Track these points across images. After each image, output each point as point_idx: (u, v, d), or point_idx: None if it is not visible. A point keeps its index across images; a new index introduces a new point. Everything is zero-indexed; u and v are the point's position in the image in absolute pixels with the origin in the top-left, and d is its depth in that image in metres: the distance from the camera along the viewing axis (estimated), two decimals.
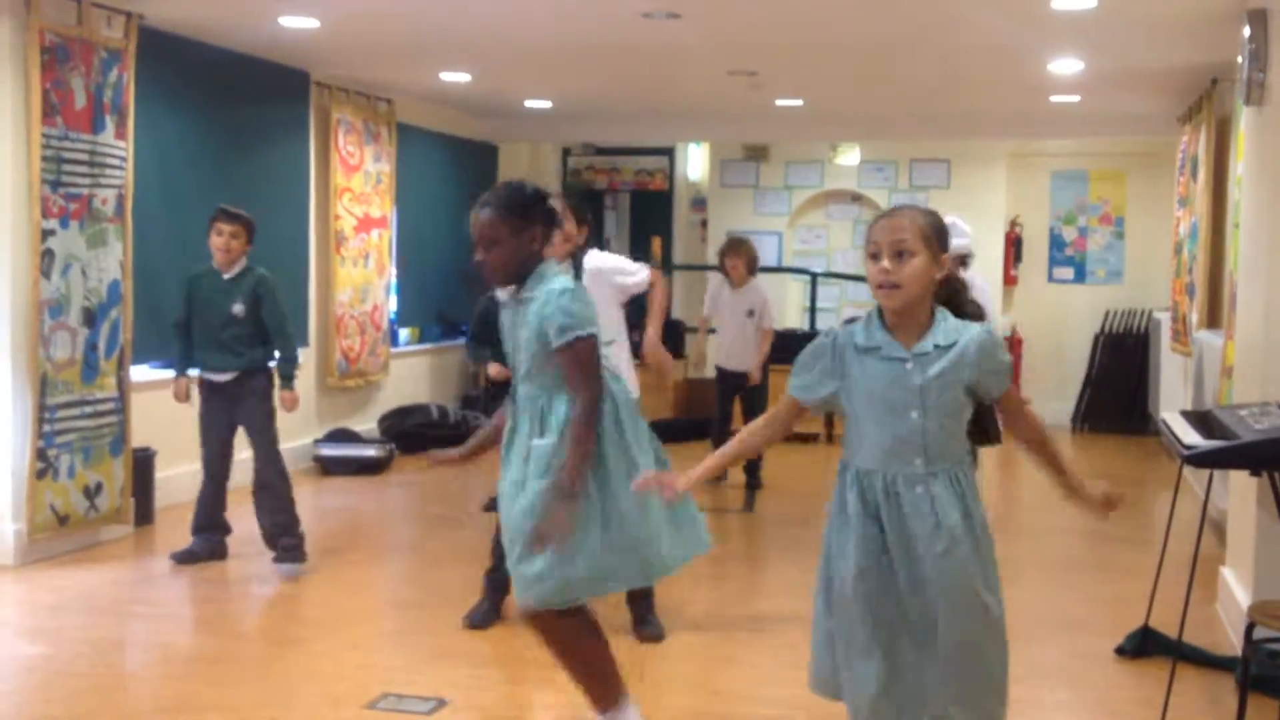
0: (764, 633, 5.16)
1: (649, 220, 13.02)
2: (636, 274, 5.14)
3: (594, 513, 3.38)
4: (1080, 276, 12.23)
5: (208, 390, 5.99)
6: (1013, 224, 12.15)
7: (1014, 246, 12.14)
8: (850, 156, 12.21)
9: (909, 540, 2.82)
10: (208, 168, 7.58)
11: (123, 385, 6.56)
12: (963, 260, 6.07)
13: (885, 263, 2.80)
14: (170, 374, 6.21)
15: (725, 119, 11.02)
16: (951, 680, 2.82)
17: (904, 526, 2.82)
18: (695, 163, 13.38)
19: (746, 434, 3.09)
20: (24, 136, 5.95)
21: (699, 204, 13.23)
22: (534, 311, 3.42)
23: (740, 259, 8.20)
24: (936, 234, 2.84)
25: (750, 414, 7.15)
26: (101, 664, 4.70)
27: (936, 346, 2.81)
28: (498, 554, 4.82)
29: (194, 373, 6.02)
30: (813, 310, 11.79)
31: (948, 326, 2.83)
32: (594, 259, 5.07)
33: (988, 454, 10.52)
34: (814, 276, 11.86)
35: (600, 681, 3.54)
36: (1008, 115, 10.45)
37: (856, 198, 12.31)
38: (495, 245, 3.44)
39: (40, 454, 5.99)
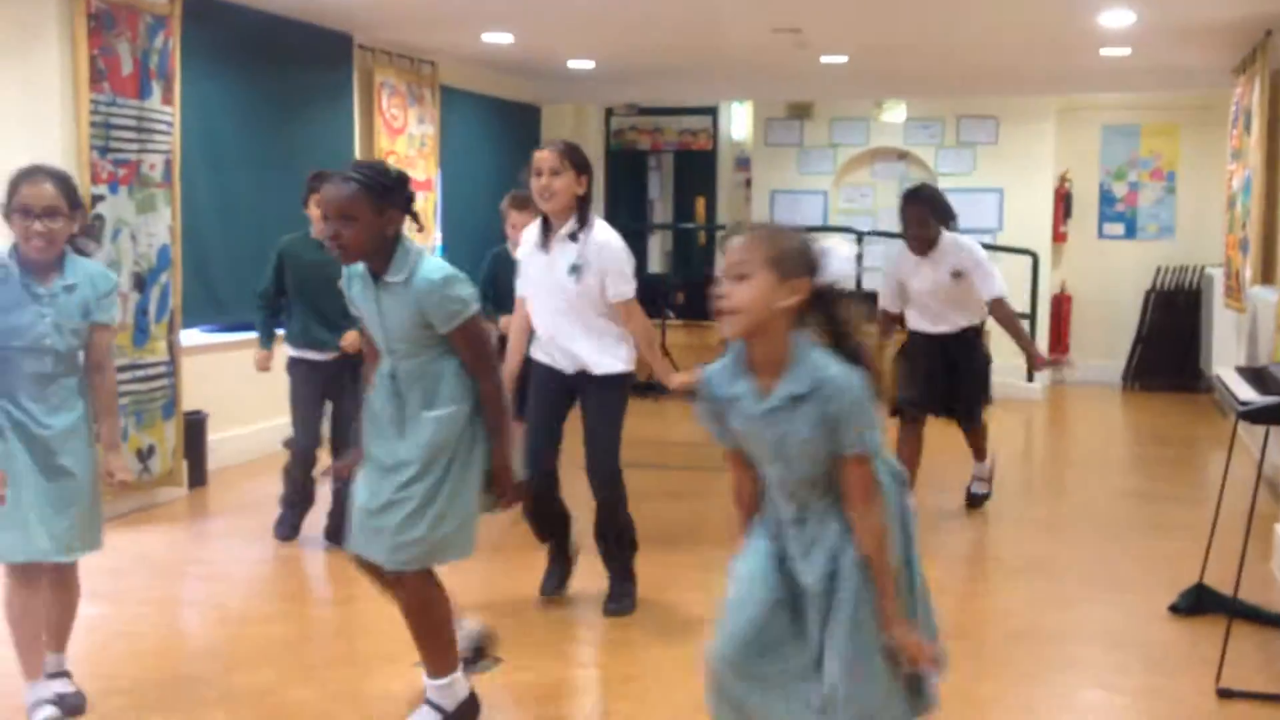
0: None
1: (692, 181, 12.95)
2: (626, 288, 4.60)
3: (466, 479, 3.47)
4: (1131, 232, 12.07)
5: (307, 369, 5.65)
6: (1062, 180, 12.00)
7: (1063, 203, 12.00)
8: (896, 113, 12.08)
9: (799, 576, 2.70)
10: (253, 132, 7.61)
11: (173, 349, 6.62)
12: (945, 223, 6.13)
13: (721, 286, 2.60)
14: (224, 338, 6.22)
15: (769, 77, 10.92)
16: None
17: (793, 563, 2.70)
18: (739, 122, 13.29)
19: (737, 508, 2.87)
20: (72, 103, 5.99)
21: (743, 163, 13.15)
22: (412, 297, 3.37)
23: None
24: (789, 257, 2.59)
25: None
26: (160, 624, 4.77)
27: (793, 398, 2.59)
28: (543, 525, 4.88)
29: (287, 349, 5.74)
30: (859, 270, 11.71)
31: (809, 365, 2.59)
32: (607, 235, 4.61)
33: (1037, 409, 10.45)
34: (860, 235, 11.77)
35: (447, 646, 3.58)
36: (1057, 69, 10.30)
37: (903, 155, 12.19)
38: (353, 222, 3.33)
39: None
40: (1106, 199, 12.10)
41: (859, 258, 11.68)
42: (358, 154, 8.83)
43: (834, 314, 2.66)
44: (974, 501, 6.70)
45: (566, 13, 7.98)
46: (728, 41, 9.01)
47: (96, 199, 6.05)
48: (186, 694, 3.99)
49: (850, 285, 2.79)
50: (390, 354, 3.47)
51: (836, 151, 12.31)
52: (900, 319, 6.35)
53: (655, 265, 12.80)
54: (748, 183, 12.87)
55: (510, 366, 4.70)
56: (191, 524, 6.24)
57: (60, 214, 3.50)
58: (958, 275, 6.07)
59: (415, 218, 3.53)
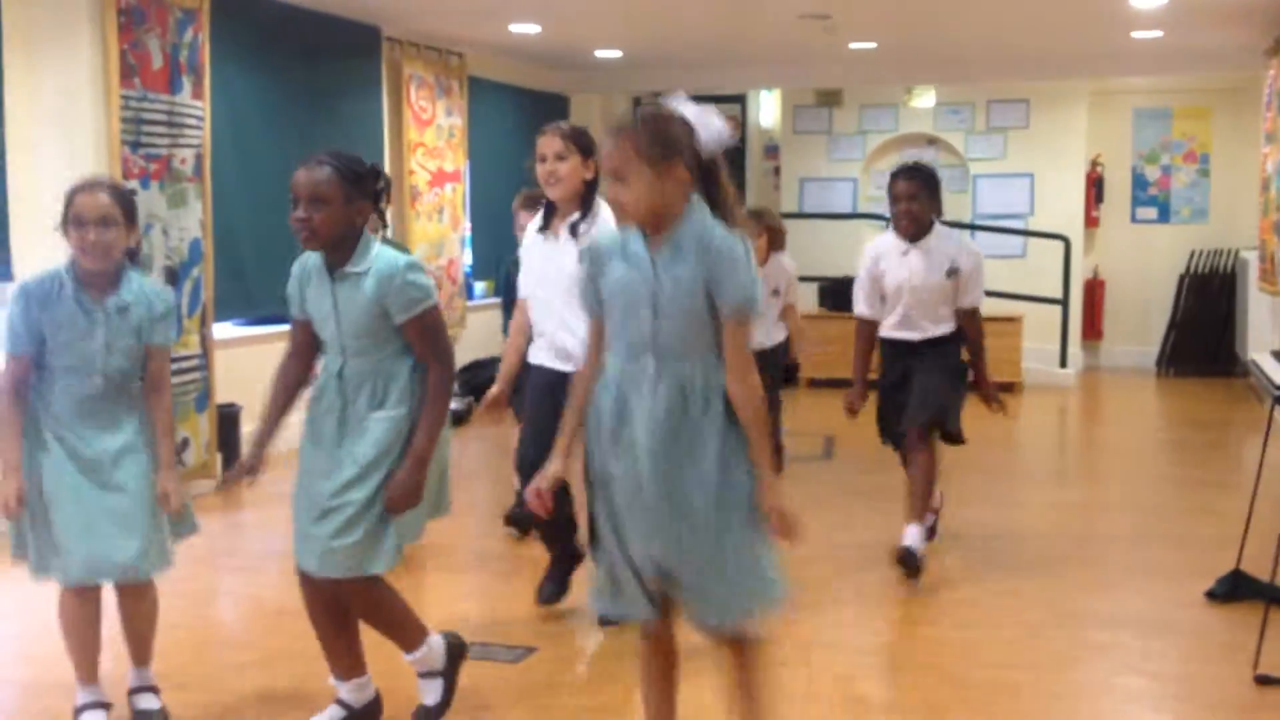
0: (839, 578, 5.15)
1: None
2: None
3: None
4: (1164, 216, 11.97)
5: None
6: (1094, 164, 11.90)
7: (1095, 187, 11.91)
8: (926, 99, 12.01)
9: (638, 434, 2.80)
10: (282, 125, 7.63)
11: (206, 342, 6.66)
12: (938, 212, 5.26)
13: (611, 191, 2.80)
14: (255, 330, 6.25)
15: (797, 64, 10.88)
16: (690, 576, 2.81)
17: (635, 421, 2.80)
18: (767, 109, 13.24)
19: (576, 390, 2.97)
20: (103, 98, 6.03)
21: (771, 151, 13.11)
22: (370, 286, 3.28)
23: (762, 234, 6.52)
24: (659, 145, 2.75)
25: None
26: (196, 615, 4.80)
27: (677, 248, 2.76)
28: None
29: None
30: None
31: (696, 225, 2.76)
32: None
33: (1070, 396, 10.39)
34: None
35: (405, 628, 3.54)
36: (1088, 52, 10.21)
37: (932, 141, 12.12)
38: (324, 206, 3.26)
39: None
40: (1139, 183, 12.00)
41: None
42: (387, 146, 8.86)
43: (712, 183, 2.81)
44: (909, 562, 4.96)
45: (593, 2, 7.97)
46: (756, 29, 8.98)
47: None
48: (223, 685, 4.01)
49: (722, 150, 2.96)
50: (340, 351, 3.35)
51: (866, 138, 12.25)
52: (876, 326, 5.31)
53: None
54: (776, 170, 12.83)
55: (507, 366, 4.58)
56: (225, 516, 6.28)
57: (115, 224, 3.44)
58: (952, 273, 5.13)
59: (381, 215, 3.46)
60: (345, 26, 8.27)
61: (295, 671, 4.07)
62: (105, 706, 3.61)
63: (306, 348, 3.48)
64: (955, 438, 5.24)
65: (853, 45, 9.76)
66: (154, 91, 6.27)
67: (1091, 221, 11.91)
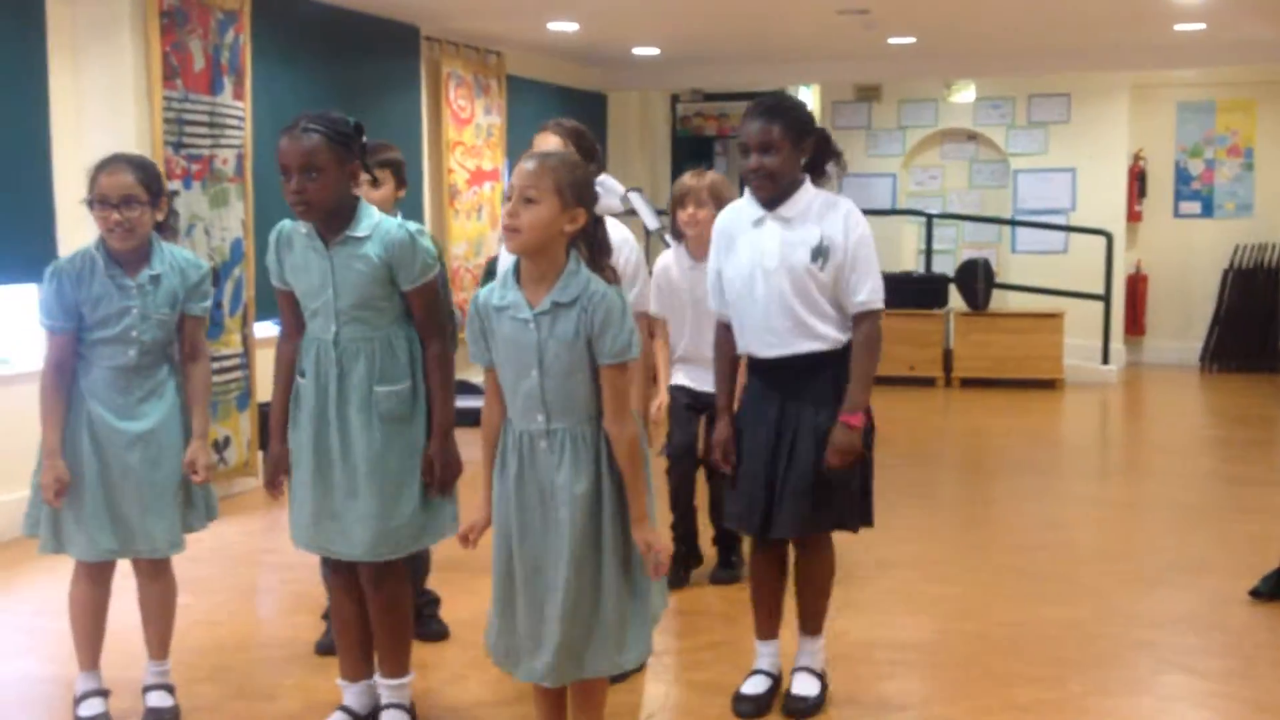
0: (884, 576, 5.13)
1: None
2: (633, 290, 3.99)
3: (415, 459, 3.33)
4: (1208, 210, 11.85)
5: None
6: (1136, 158, 11.80)
7: (1138, 181, 11.80)
8: (965, 94, 11.95)
9: (538, 494, 2.92)
10: None
11: (247, 341, 6.72)
12: (818, 167, 3.63)
13: (511, 206, 2.83)
14: None
15: (836, 60, 10.84)
16: (565, 631, 2.87)
17: (536, 481, 2.91)
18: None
19: (485, 418, 3.04)
20: (146, 100, 6.09)
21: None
22: (375, 251, 3.20)
23: (709, 204, 4.67)
24: (574, 187, 2.83)
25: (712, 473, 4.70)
26: (238, 612, 4.85)
27: (556, 304, 2.83)
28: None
29: None
30: (928, 253, 11.61)
31: (576, 280, 2.84)
32: (620, 233, 4.04)
33: (1112, 392, 10.31)
34: (929, 218, 11.66)
35: (408, 643, 3.45)
36: (1130, 45, 10.12)
37: (972, 136, 12.06)
38: (319, 173, 3.15)
39: None
40: (1182, 177, 11.89)
41: (928, 240, 11.59)
42: (426, 145, 8.89)
43: (595, 242, 2.93)
44: (798, 711, 3.67)
45: (631, 1, 7.97)
46: (794, 25, 8.95)
47: (171, 194, 6.13)
48: (265, 680, 4.05)
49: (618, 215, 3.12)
50: (335, 319, 3.24)
51: (905, 133, 12.20)
52: (729, 335, 3.71)
53: None
54: None
55: (662, 391, 4.79)
56: (267, 514, 6.33)
57: (139, 202, 3.42)
58: (820, 254, 3.50)
59: (369, 169, 3.39)
60: (384, 26, 8.31)
61: (336, 668, 4.09)
62: (104, 694, 3.63)
63: (297, 321, 3.37)
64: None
65: (892, 40, 9.71)
66: (196, 92, 6.33)
67: (1134, 216, 11.82)
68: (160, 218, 3.53)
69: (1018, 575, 5.13)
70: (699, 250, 4.67)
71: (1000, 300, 11.14)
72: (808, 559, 3.69)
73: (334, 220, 3.22)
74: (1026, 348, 10.57)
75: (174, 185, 6.17)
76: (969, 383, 10.56)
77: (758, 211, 3.58)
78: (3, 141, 5.66)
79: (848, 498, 3.57)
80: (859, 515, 3.64)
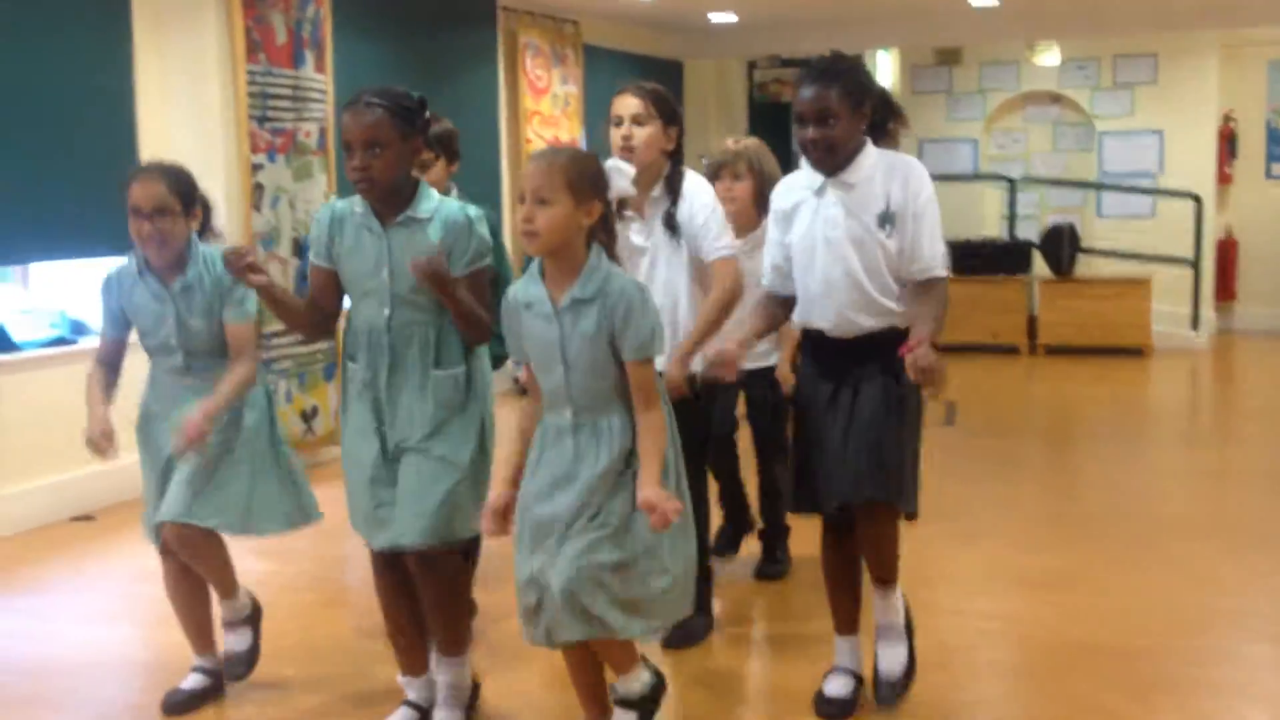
0: (970, 546, 5.09)
1: None
2: (720, 241, 3.79)
3: (471, 440, 3.25)
4: None
5: None
6: (1226, 119, 11.52)
7: (1228, 143, 11.52)
8: (1049, 56, 11.72)
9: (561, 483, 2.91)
10: None
11: None
12: (881, 127, 3.38)
13: (526, 210, 2.81)
14: None
15: (915, 23, 10.70)
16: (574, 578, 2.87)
17: (557, 466, 2.91)
18: (884, 70, 13.03)
19: (524, 409, 3.06)
20: (230, 74, 6.16)
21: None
22: (436, 232, 3.12)
23: (749, 178, 4.46)
24: (585, 180, 2.82)
25: (765, 448, 4.69)
26: (325, 580, 4.92)
27: (577, 300, 2.84)
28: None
29: None
30: (1012, 218, 11.43)
31: (597, 275, 2.84)
32: (698, 186, 3.86)
33: (1201, 359, 10.11)
34: (1012, 183, 11.49)
35: (466, 622, 3.41)
36: (1220, 2, 9.86)
37: (1056, 99, 11.84)
38: (382, 150, 3.07)
39: None
40: (1274, 137, 11.59)
41: (1011, 205, 11.41)
42: (504, 115, 8.91)
43: (612, 230, 2.92)
44: (890, 696, 3.50)
45: None
46: None
47: (256, 168, 6.23)
48: (352, 648, 4.11)
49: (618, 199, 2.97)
50: (389, 302, 3.16)
51: (986, 97, 12.01)
52: (783, 304, 3.50)
53: None
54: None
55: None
56: None
57: (171, 213, 3.37)
58: (889, 220, 3.31)
59: (430, 145, 3.28)
60: None
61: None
62: (210, 674, 3.65)
63: (324, 299, 3.31)
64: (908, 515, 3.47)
65: (974, 2, 9.55)
66: (278, 66, 6.39)
67: (1224, 179, 11.54)
68: (195, 226, 3.49)
69: (1106, 545, 5.06)
70: (739, 225, 4.28)
71: (1086, 266, 10.96)
72: (871, 532, 3.38)
73: (393, 199, 3.15)
74: (1113, 314, 10.39)
75: (259, 159, 6.25)
76: (1054, 350, 10.40)
77: (817, 179, 3.34)
78: (91, 118, 5.76)
79: (909, 479, 3.35)
80: (912, 497, 3.38)
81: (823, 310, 3.35)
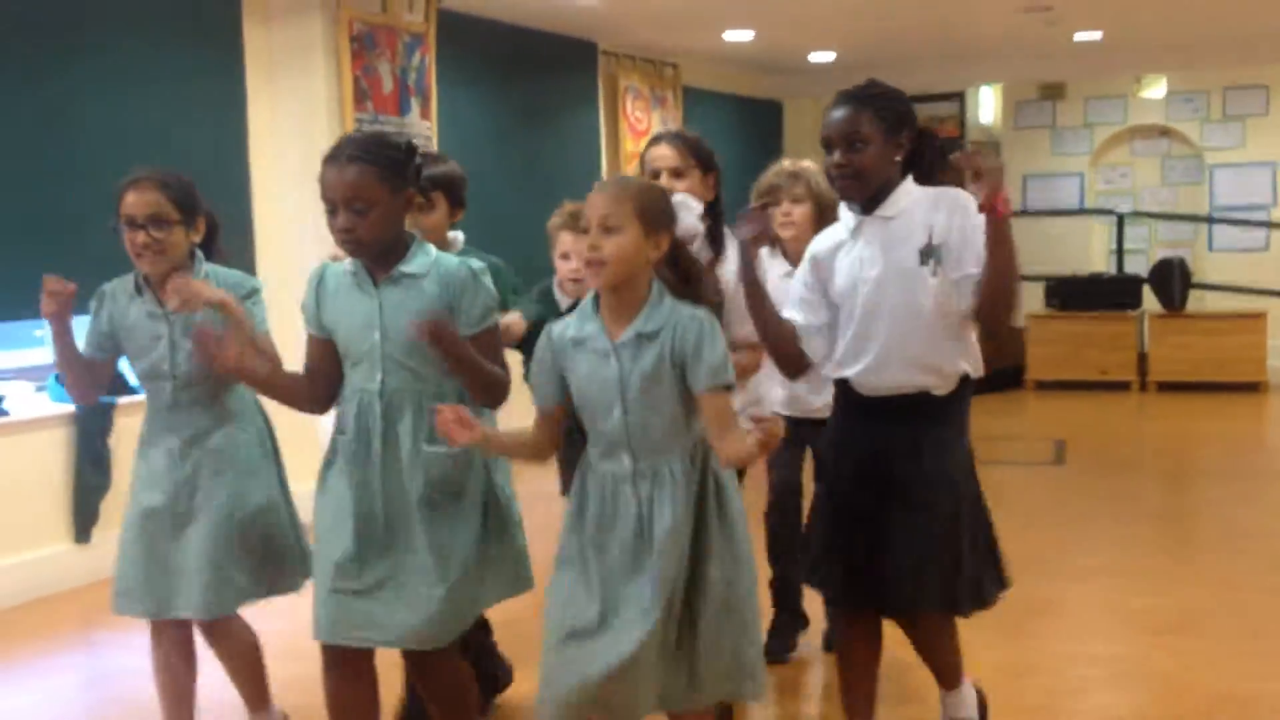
0: (1080, 585, 4.98)
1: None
2: (747, 327, 3.28)
3: (470, 519, 2.87)
4: None
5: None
6: None
7: None
8: (1156, 89, 11.53)
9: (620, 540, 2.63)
10: (504, 141, 7.85)
11: None
12: (922, 165, 3.06)
13: (591, 238, 2.59)
14: None
15: (1019, 58, 10.60)
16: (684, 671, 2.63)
17: (620, 526, 2.63)
18: (987, 106, 12.93)
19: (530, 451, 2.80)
20: (339, 122, 6.31)
21: (992, 149, 12.80)
22: (433, 290, 2.79)
23: (808, 202, 4.01)
24: (654, 210, 2.62)
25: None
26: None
27: (640, 335, 2.60)
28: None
29: None
30: (1120, 252, 11.23)
31: (661, 309, 2.61)
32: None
33: None
34: (1120, 217, 11.29)
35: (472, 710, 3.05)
36: None
37: (1164, 132, 11.62)
38: (371, 208, 2.73)
39: None
40: None
41: (1119, 239, 11.21)
42: (604, 158, 9.00)
43: (680, 264, 2.70)
44: None
45: (809, 6, 7.94)
46: (975, 24, 8.79)
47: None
48: (528, 647, 4.10)
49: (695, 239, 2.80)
50: (380, 367, 2.81)
51: (1092, 131, 11.84)
52: (802, 360, 3.11)
53: None
54: None
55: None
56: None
57: (169, 221, 3.08)
58: (932, 254, 2.93)
59: (423, 192, 2.96)
60: (563, 42, 8.45)
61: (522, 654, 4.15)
62: None
63: (323, 369, 2.92)
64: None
65: (1077, 37, 9.45)
66: (385, 114, 6.54)
67: None
68: (197, 239, 3.19)
69: (1223, 587, 4.91)
70: (795, 253, 3.82)
71: (1198, 300, 10.71)
72: (927, 637, 3.11)
73: (386, 256, 2.82)
74: (1227, 349, 10.13)
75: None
76: (1166, 386, 10.17)
77: (853, 220, 3.02)
78: (205, 163, 5.92)
79: (970, 566, 2.95)
80: (976, 593, 2.99)
81: (856, 360, 2.98)
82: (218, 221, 3.31)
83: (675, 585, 2.59)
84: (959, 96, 12.47)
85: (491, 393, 2.84)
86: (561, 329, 2.70)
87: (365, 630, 2.81)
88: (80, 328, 3.22)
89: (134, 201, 3.08)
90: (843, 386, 3.05)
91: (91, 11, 5.45)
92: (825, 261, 3.06)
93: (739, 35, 8.94)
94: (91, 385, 3.25)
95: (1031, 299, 10.81)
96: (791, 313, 3.08)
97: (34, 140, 5.20)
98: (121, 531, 3.21)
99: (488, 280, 2.86)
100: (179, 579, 3.11)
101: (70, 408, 5.24)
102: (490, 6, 7.45)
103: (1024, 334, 10.38)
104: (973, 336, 3.03)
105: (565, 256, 3.73)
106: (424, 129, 6.81)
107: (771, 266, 3.81)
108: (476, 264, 2.86)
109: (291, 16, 6.26)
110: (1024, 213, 11.49)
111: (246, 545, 3.14)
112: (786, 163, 4.09)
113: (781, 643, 4.11)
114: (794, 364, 3.09)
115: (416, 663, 2.95)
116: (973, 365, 3.01)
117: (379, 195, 2.74)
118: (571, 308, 3.79)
